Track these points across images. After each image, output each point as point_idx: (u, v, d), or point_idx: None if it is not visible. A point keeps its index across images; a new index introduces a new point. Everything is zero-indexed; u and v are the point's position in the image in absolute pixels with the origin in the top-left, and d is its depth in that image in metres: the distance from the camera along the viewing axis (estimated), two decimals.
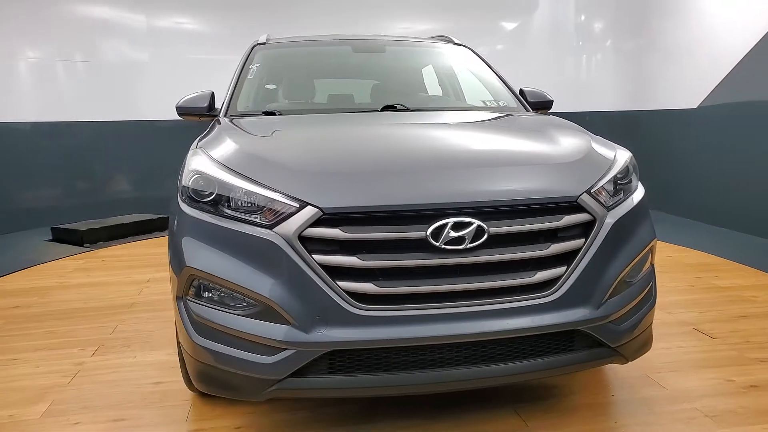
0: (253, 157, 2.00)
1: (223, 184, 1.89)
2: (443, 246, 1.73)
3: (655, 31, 6.97)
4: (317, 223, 1.73)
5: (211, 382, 1.91)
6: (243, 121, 2.57)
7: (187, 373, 2.23)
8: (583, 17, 7.68)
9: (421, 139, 2.33)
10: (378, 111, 2.79)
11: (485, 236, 1.75)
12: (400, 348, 1.76)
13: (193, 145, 2.31)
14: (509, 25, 7.70)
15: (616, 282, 1.90)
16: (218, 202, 1.89)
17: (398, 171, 1.89)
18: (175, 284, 1.95)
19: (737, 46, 5.61)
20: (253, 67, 3.09)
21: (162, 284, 4.20)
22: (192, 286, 1.89)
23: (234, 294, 1.80)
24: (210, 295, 1.86)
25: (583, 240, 1.86)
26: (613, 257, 1.90)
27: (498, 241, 1.78)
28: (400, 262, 1.74)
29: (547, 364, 1.87)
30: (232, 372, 1.82)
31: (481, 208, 1.77)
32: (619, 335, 1.93)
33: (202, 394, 2.39)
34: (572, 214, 1.85)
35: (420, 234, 1.73)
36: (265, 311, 1.76)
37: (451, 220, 1.73)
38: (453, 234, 1.73)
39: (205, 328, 1.86)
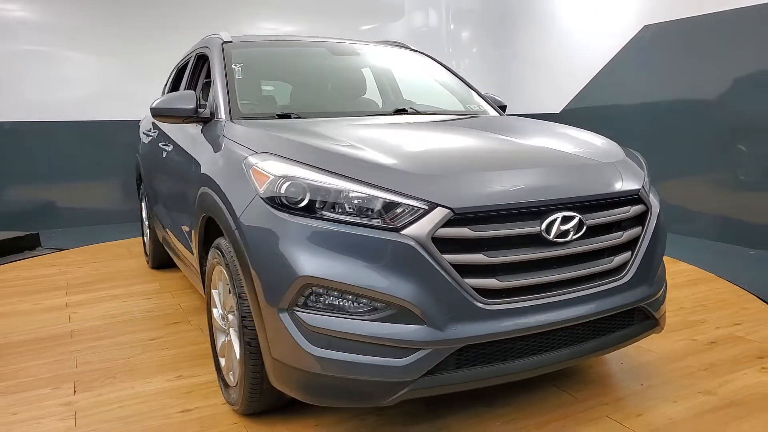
0: (351, 160, 1.95)
1: (326, 188, 1.83)
2: (554, 239, 1.89)
3: (518, 42, 7.78)
4: (447, 223, 1.77)
5: (332, 393, 1.84)
6: (270, 124, 2.46)
7: (232, 394, 2.22)
8: (452, 26, 8.27)
9: (493, 140, 2.42)
10: (391, 114, 2.84)
11: (584, 228, 1.94)
12: (516, 337, 1.88)
13: (243, 151, 2.16)
14: (374, 32, 8.00)
15: (661, 261, 2.23)
16: (316, 206, 1.83)
17: (509, 171, 1.99)
18: (272, 295, 1.84)
19: (594, 60, 6.53)
20: (237, 68, 2.92)
21: (89, 308, 3.73)
22: (302, 296, 1.81)
23: (358, 299, 1.77)
24: (328, 302, 1.80)
25: (641, 228, 2.15)
26: (657, 240, 2.22)
27: (590, 233, 1.98)
28: (520, 257, 1.85)
29: (616, 339, 2.12)
30: (359, 380, 1.78)
31: (580, 203, 1.96)
32: (659, 306, 2.26)
33: (252, 415, 2.25)
34: (636, 205, 2.13)
35: (535, 229, 1.87)
36: (397, 314, 1.75)
37: (560, 215, 1.90)
38: (562, 228, 1.90)
39: (322, 339, 1.79)
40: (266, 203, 1.91)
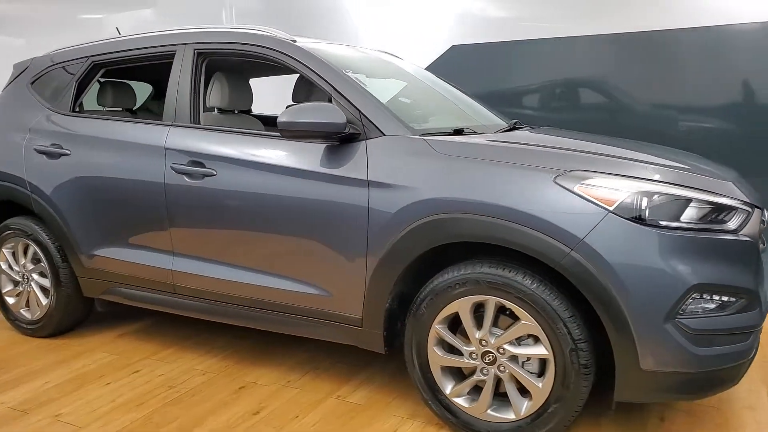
0: (667, 170, 2.12)
1: (678, 196, 1.97)
2: None
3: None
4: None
5: (704, 386, 2.04)
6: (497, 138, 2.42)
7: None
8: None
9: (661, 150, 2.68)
10: (508, 128, 2.89)
11: None
12: None
13: (535, 169, 2.07)
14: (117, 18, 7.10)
15: None
16: (668, 216, 1.97)
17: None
18: (650, 308, 1.91)
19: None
20: (351, 75, 2.57)
21: None
22: (684, 303, 1.93)
23: (729, 296, 2.00)
24: (707, 305, 1.97)
25: None
26: None
27: None
28: None
29: None
30: (726, 368, 2.01)
31: None
32: None
33: None
34: None
35: None
36: (749, 303, 2.03)
37: None
38: None
39: (703, 339, 1.96)
40: (624, 219, 1.93)
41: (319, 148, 2.44)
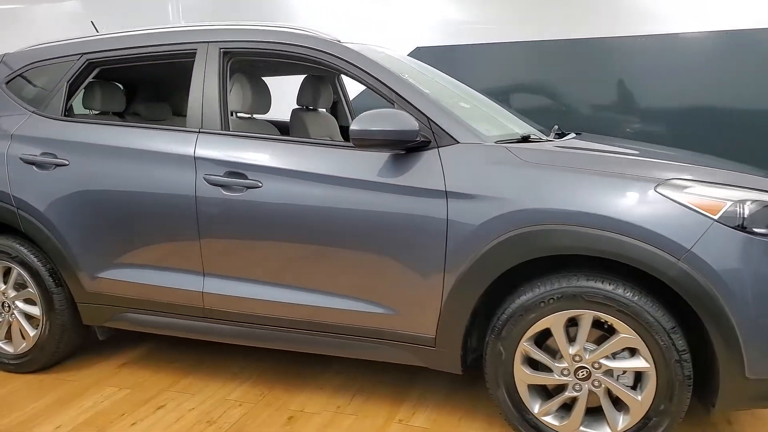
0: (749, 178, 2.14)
1: None
2: None
3: None
4: None
5: None
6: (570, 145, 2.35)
7: None
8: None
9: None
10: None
11: None
12: None
13: (633, 178, 2.01)
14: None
15: None
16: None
17: None
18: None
19: None
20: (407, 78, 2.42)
21: None
22: None
23: None
24: None
25: None
26: None
27: None
28: None
29: None
30: None
31: None
32: None
33: None
34: None
35: None
36: None
37: None
38: None
39: None
40: (729, 228, 1.92)
41: (379, 157, 2.28)
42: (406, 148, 2.23)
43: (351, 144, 2.26)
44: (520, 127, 2.76)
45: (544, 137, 2.56)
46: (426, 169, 2.21)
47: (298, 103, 3.42)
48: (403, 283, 2.26)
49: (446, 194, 2.16)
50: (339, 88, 3.86)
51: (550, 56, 4.75)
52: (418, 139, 2.19)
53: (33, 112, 2.86)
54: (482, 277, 2.14)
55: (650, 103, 4.37)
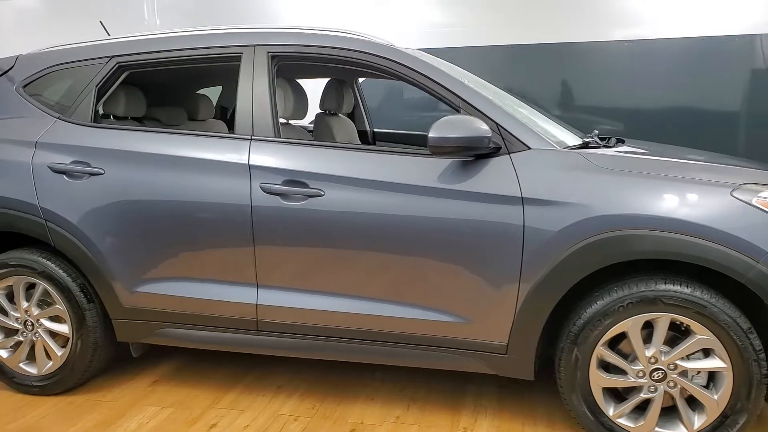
0: None
1: None
2: None
3: None
4: None
5: None
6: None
7: None
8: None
9: None
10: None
11: None
12: None
13: (712, 184, 2.07)
14: None
15: None
16: None
17: None
18: None
19: None
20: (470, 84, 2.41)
21: None
22: None
23: None
24: None
25: None
26: None
27: None
28: None
29: None
30: None
31: None
32: None
33: None
34: None
35: None
36: None
37: None
38: None
39: None
40: None
41: (446, 163, 2.26)
42: (476, 154, 2.22)
43: (413, 150, 2.29)
44: (563, 131, 2.78)
45: (602, 143, 2.59)
46: (499, 176, 2.21)
47: (321, 108, 3.36)
48: (477, 290, 2.25)
49: (522, 200, 2.16)
50: (357, 93, 3.81)
51: (528, 59, 4.86)
52: (490, 145, 2.18)
53: (59, 118, 2.69)
54: (560, 283, 2.15)
55: (625, 104, 4.55)
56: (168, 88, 3.55)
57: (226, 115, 4.06)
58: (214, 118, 3.72)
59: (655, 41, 4.47)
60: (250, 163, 2.41)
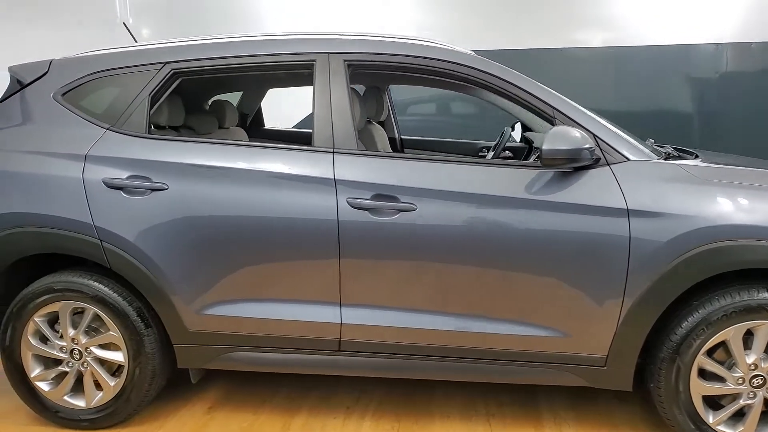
0: None
1: None
2: None
3: None
4: None
5: None
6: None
7: None
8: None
9: None
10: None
11: None
12: None
13: None
14: None
15: None
16: None
17: None
18: None
19: None
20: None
21: None
22: None
23: None
24: None
25: None
26: None
27: None
28: None
29: None
30: None
31: None
32: None
33: None
34: None
35: None
36: None
37: None
38: None
39: None
40: None
41: (542, 175, 2.24)
42: (576, 166, 2.20)
43: (504, 162, 2.33)
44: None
45: (684, 154, 2.64)
46: (601, 187, 2.19)
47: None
48: (577, 304, 2.23)
49: (628, 212, 2.15)
50: (389, 101, 3.73)
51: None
52: (593, 157, 2.17)
53: (108, 129, 2.49)
54: (665, 294, 2.17)
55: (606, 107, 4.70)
56: (199, 96, 3.37)
57: (245, 121, 3.88)
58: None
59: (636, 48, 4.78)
60: (336, 177, 2.30)
